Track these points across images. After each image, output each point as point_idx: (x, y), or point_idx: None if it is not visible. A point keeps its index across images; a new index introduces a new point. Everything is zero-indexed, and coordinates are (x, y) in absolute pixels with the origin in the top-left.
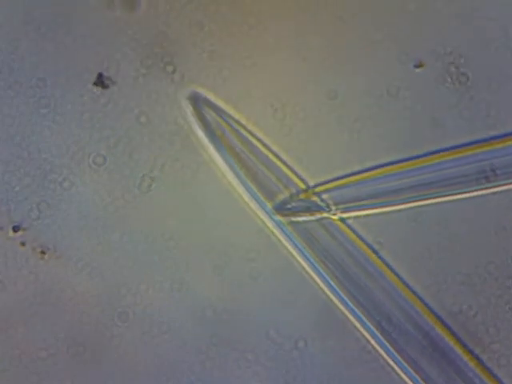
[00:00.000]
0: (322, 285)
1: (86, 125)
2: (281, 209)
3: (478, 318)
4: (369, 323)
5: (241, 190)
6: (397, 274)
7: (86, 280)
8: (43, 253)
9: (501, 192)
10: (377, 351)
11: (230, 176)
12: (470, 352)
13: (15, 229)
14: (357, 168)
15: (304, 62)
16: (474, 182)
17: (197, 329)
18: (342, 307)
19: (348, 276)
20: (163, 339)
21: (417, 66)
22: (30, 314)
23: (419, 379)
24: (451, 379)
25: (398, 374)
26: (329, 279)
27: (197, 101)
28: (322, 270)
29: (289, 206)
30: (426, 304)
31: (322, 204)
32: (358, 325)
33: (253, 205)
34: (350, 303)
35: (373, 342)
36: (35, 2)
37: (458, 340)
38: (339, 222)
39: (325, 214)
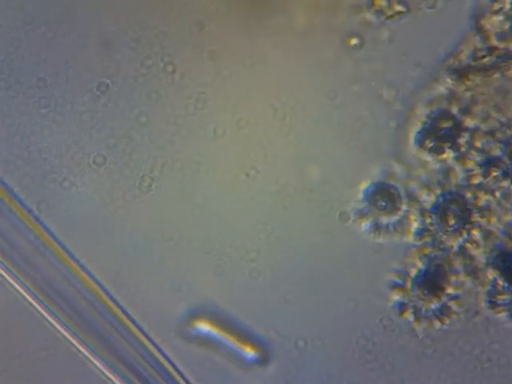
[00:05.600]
0: None
1: (86, 125)
2: None
3: (477, 318)
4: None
5: None
6: None
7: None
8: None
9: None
10: None
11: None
12: None
13: None
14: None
15: (304, 61)
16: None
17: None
18: None
19: None
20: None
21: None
22: (29, 313)
23: None
24: None
25: None
26: None
27: None
28: None
29: None
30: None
31: None
32: None
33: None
34: None
35: None
36: (35, 2)
37: None
38: None
39: None
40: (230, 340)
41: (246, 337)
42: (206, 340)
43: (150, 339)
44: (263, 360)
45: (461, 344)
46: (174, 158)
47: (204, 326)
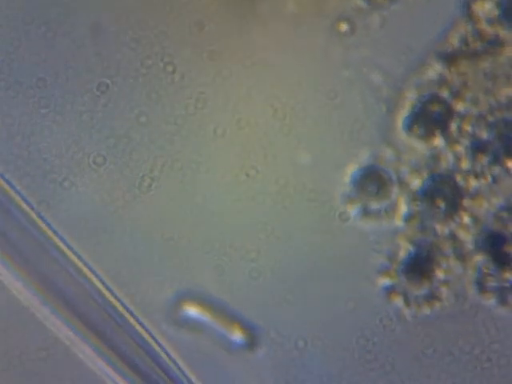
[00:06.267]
0: None
1: (86, 125)
2: None
3: (477, 318)
4: None
5: None
6: None
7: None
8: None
9: None
10: None
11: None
12: None
13: None
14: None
15: (304, 61)
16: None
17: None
18: None
19: None
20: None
21: None
22: (29, 313)
23: None
24: None
25: None
26: None
27: None
28: None
29: None
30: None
31: None
32: None
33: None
34: None
35: None
36: (35, 2)
37: None
38: None
39: None
40: (218, 323)
41: (234, 320)
42: (194, 324)
43: (147, 330)
44: (251, 344)
45: (461, 344)
46: (174, 158)
47: (193, 310)
